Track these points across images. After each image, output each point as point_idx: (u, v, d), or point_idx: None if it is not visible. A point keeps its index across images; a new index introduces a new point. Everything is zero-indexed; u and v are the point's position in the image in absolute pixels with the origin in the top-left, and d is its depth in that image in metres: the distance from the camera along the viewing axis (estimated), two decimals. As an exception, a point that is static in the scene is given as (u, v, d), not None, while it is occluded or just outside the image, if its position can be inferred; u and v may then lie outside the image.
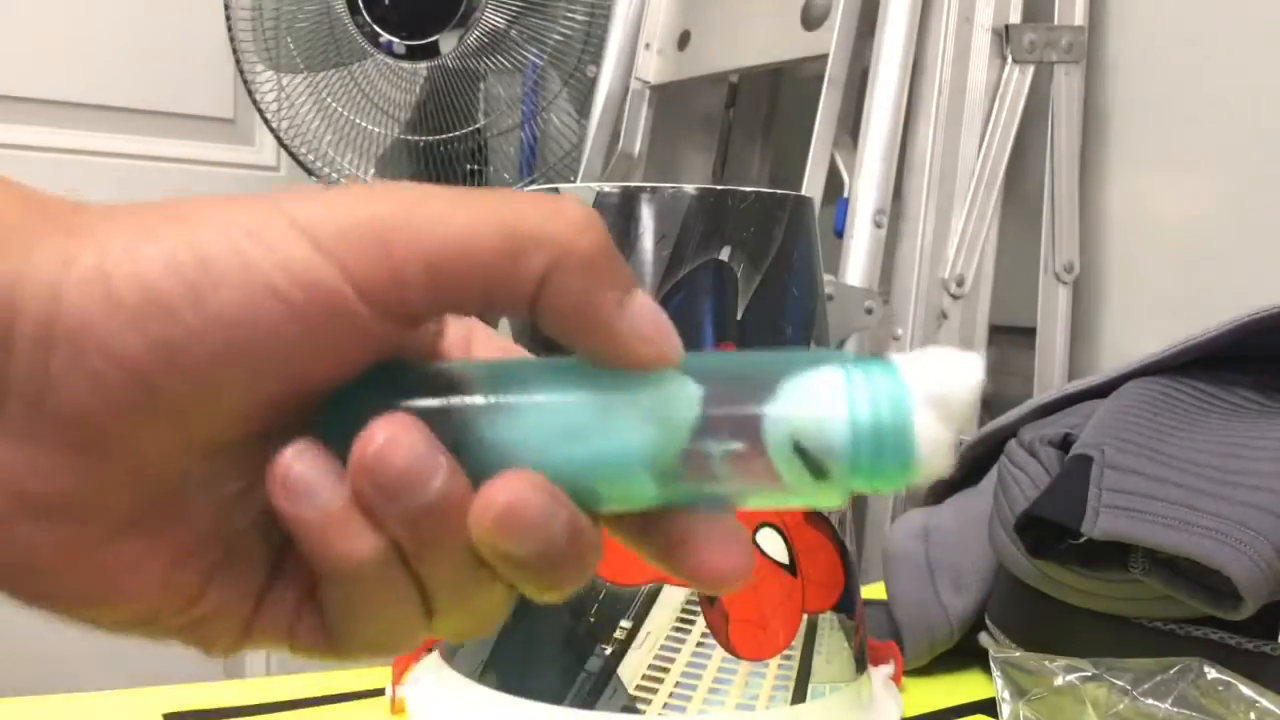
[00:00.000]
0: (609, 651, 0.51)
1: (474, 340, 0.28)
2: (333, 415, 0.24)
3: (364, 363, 0.24)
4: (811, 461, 0.23)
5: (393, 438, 0.23)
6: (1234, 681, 0.51)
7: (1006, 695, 0.53)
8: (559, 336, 0.24)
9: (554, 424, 0.24)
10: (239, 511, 0.25)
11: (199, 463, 0.24)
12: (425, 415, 0.24)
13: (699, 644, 0.51)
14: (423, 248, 0.23)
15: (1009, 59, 1.01)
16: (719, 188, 0.54)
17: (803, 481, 0.24)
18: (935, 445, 0.23)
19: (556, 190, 0.54)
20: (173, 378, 0.22)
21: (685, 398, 0.24)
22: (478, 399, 0.24)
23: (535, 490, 0.23)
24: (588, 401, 0.24)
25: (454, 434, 0.24)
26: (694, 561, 0.25)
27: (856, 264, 0.95)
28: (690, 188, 0.53)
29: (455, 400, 0.24)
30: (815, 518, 0.55)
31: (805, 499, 0.25)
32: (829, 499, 0.25)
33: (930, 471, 0.24)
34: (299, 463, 0.23)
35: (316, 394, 0.24)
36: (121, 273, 0.22)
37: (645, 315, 0.24)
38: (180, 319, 0.22)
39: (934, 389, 0.24)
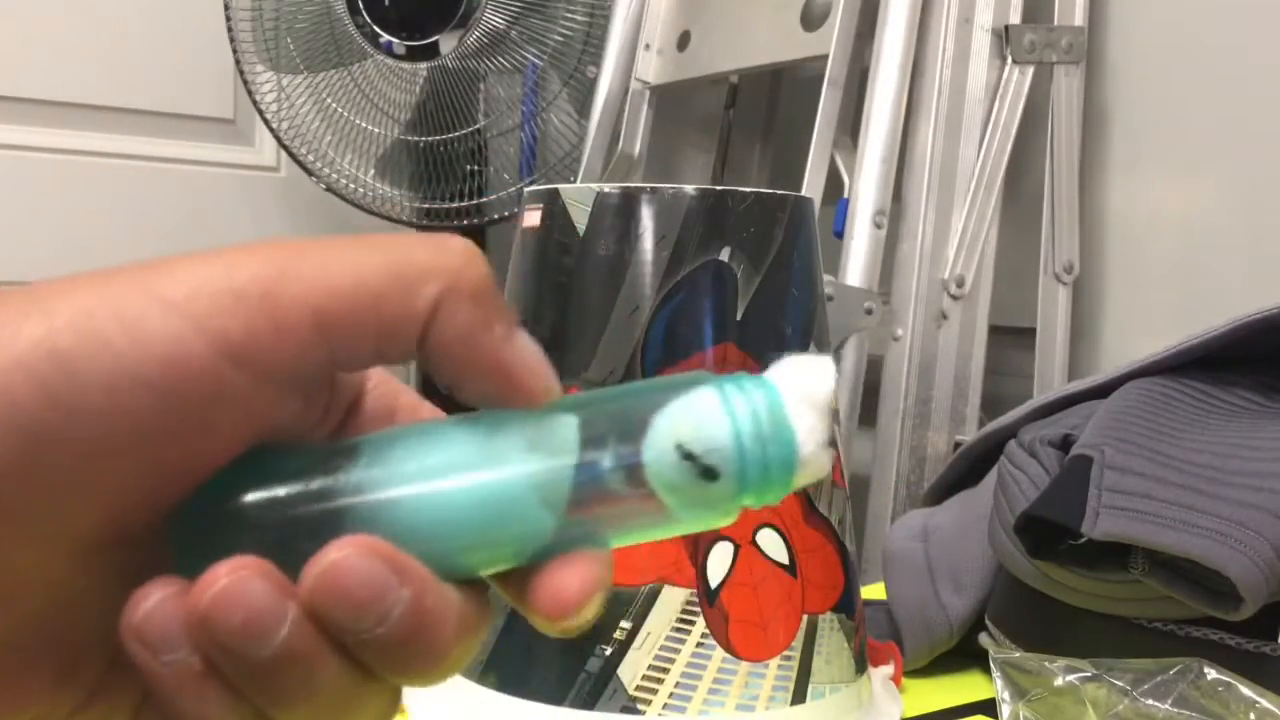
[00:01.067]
0: (609, 652, 0.51)
1: (399, 410, 0.27)
2: (183, 528, 0.22)
3: (250, 440, 0.23)
4: (699, 465, 0.23)
5: (228, 588, 0.21)
6: (1234, 682, 0.51)
7: (1006, 696, 0.53)
8: (446, 374, 0.24)
9: (429, 490, 0.23)
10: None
11: (71, 570, 0.22)
12: (279, 527, 0.22)
13: (699, 644, 0.51)
14: (309, 297, 0.22)
15: (1009, 59, 1.01)
16: (719, 188, 0.54)
17: (691, 493, 0.23)
18: (814, 438, 0.24)
19: (556, 192, 0.54)
20: (30, 491, 0.20)
21: (566, 426, 0.24)
22: (346, 485, 0.23)
23: (367, 554, 0.21)
24: (471, 447, 0.24)
25: (313, 540, 0.22)
26: (546, 594, 0.23)
27: (856, 264, 0.96)
28: (690, 188, 0.53)
29: (319, 495, 0.23)
30: (815, 518, 0.55)
31: (692, 519, 0.24)
32: (716, 515, 0.24)
33: (814, 469, 0.24)
34: (154, 611, 0.21)
35: (204, 477, 0.22)
36: None
37: (530, 349, 0.24)
38: (33, 427, 0.20)
39: (802, 390, 0.24)
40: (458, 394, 0.24)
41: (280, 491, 0.23)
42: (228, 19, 1.39)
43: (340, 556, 0.21)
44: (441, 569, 0.23)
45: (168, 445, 0.21)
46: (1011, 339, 1.07)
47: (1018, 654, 0.55)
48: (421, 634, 0.22)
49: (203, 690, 0.21)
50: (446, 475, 0.23)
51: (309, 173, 1.45)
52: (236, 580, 0.21)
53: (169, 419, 0.21)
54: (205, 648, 0.21)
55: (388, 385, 0.27)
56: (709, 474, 0.23)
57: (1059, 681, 0.53)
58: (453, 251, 0.23)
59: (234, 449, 0.22)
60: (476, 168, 1.45)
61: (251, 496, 0.23)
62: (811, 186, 1.01)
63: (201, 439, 0.22)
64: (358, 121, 1.45)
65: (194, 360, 0.21)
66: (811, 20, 1.10)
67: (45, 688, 0.23)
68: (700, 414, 0.24)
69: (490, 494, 0.23)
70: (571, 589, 0.23)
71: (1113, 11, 1.05)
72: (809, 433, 0.24)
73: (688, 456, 0.23)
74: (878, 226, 0.96)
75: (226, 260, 0.22)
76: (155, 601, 0.21)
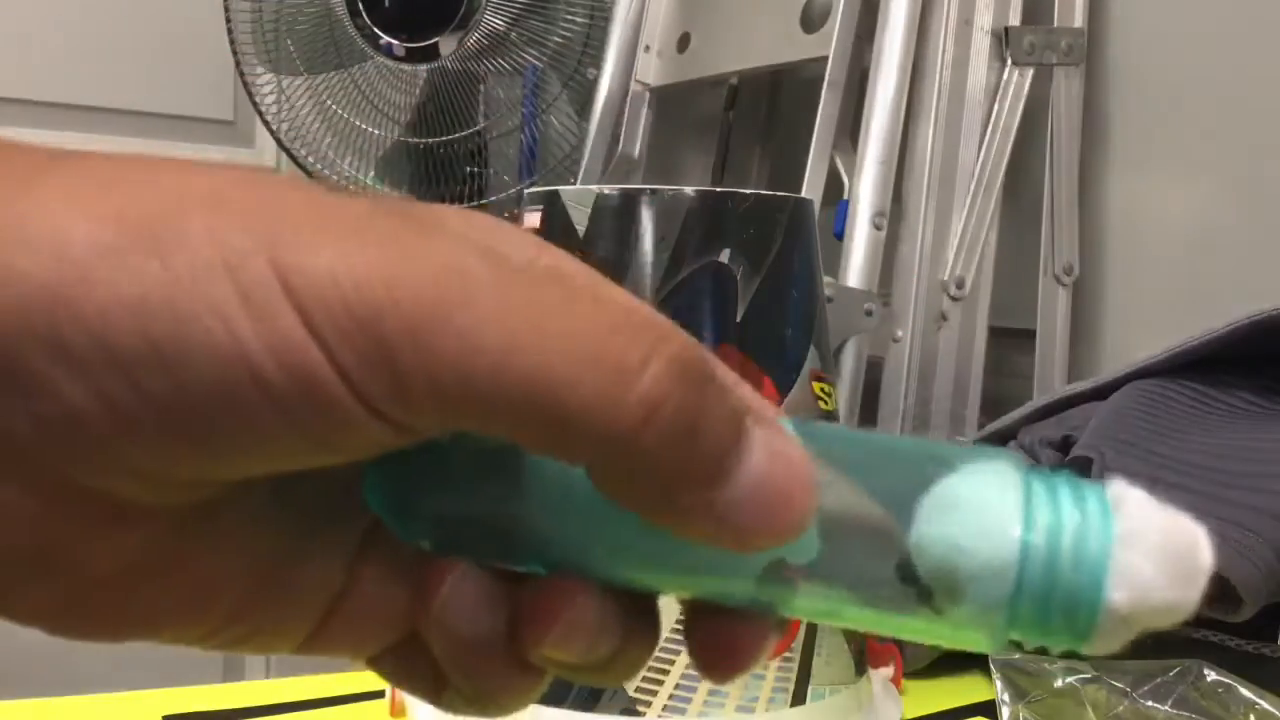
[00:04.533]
0: (609, 653, 0.51)
1: None
2: (386, 497, 0.22)
3: (367, 455, 0.20)
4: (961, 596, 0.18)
5: (450, 595, 0.21)
6: (1233, 683, 0.51)
7: (1006, 698, 0.53)
8: None
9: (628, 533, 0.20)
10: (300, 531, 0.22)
11: (215, 494, 0.20)
12: (482, 541, 0.22)
13: (699, 646, 0.51)
14: (432, 372, 0.17)
15: (1009, 61, 1.01)
16: (719, 190, 0.54)
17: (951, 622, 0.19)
18: (1140, 587, 0.18)
19: (556, 193, 0.54)
20: (129, 441, 0.18)
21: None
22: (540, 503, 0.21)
23: (585, 604, 0.21)
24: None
25: (506, 549, 0.22)
26: (711, 641, 0.22)
27: (856, 266, 0.95)
28: (690, 190, 0.53)
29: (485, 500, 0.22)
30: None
31: (947, 636, 0.20)
32: (973, 635, 0.19)
33: (1117, 628, 0.18)
34: (462, 587, 0.21)
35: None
36: (71, 309, 0.17)
37: (753, 492, 0.19)
38: (137, 387, 0.17)
39: (1156, 532, 0.18)
40: None
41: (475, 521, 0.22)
42: (228, 20, 1.39)
43: (567, 621, 0.21)
44: (619, 581, 0.22)
45: (275, 441, 0.19)
46: (1011, 340, 1.07)
47: (1017, 656, 0.55)
48: (630, 657, 0.23)
49: (511, 663, 0.22)
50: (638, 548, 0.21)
51: (309, 174, 1.45)
52: (458, 583, 0.22)
53: (277, 418, 0.18)
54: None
55: None
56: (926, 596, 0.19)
57: (1059, 683, 0.53)
58: (634, 391, 0.18)
59: (357, 457, 0.21)
60: (476, 169, 1.45)
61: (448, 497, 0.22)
62: (811, 188, 1.01)
63: (313, 447, 0.19)
64: (358, 123, 1.45)
65: (311, 371, 0.18)
66: (811, 22, 1.10)
67: (178, 605, 0.21)
68: (984, 517, 0.18)
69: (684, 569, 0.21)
70: (741, 645, 0.22)
71: (1112, 13, 1.05)
72: (1133, 579, 0.18)
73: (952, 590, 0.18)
74: (877, 228, 0.96)
75: (374, 246, 0.18)
76: (461, 578, 0.21)
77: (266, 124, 1.44)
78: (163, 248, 0.17)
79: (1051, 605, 0.18)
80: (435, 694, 0.23)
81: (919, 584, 0.19)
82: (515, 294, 0.18)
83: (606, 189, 0.53)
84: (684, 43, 1.28)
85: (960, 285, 1.00)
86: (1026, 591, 0.18)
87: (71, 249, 0.17)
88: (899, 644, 0.64)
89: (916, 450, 0.20)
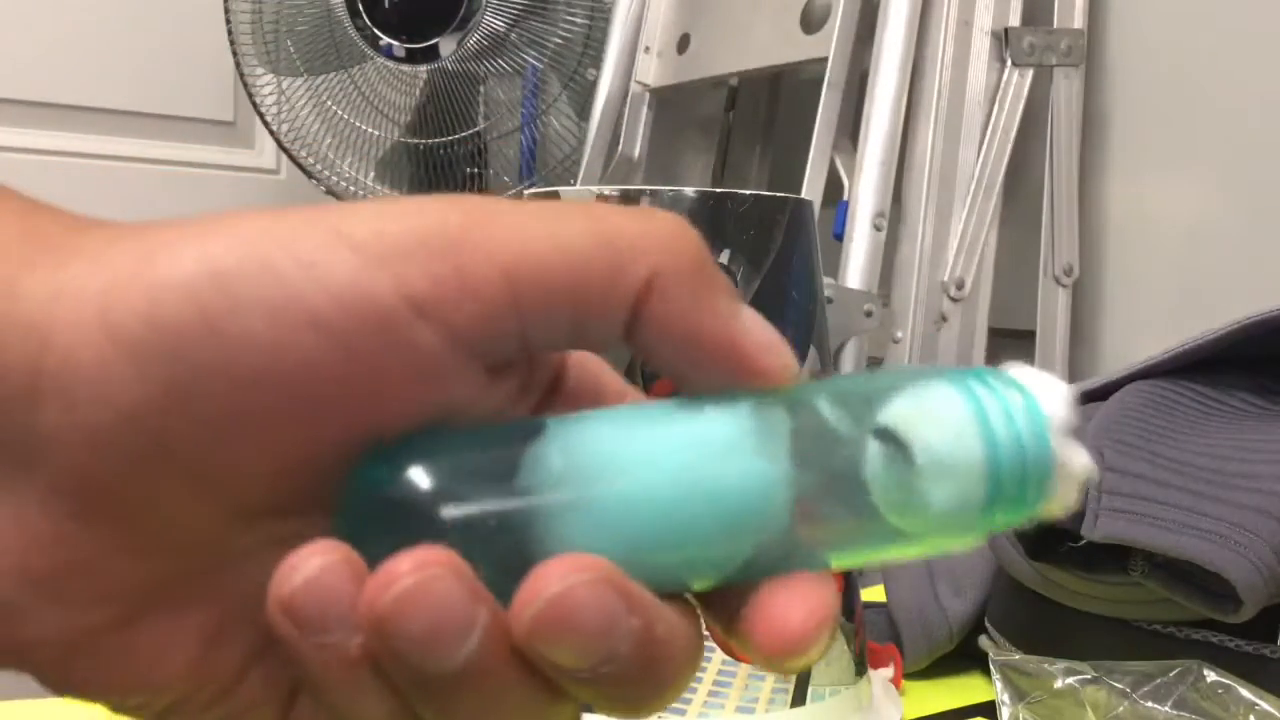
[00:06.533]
0: (609, 654, 0.51)
1: (604, 395, 0.23)
2: (354, 498, 0.19)
3: (427, 412, 0.19)
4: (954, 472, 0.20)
5: (415, 589, 0.17)
6: (1233, 684, 0.51)
7: (1006, 698, 0.53)
8: (662, 359, 0.21)
9: (647, 483, 0.20)
10: None
11: (236, 529, 0.20)
12: (463, 512, 0.19)
13: (699, 647, 0.51)
14: (500, 255, 0.19)
15: (1008, 62, 1.01)
16: (718, 190, 0.54)
17: (936, 506, 0.20)
18: (1075, 458, 0.21)
19: (556, 194, 0.54)
20: (185, 428, 0.18)
21: (797, 415, 0.21)
22: (547, 472, 0.19)
23: (597, 584, 0.18)
24: (691, 435, 0.20)
25: (507, 536, 0.19)
26: (764, 627, 0.20)
27: (856, 267, 0.96)
28: (690, 190, 0.53)
29: (511, 480, 0.19)
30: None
31: (934, 538, 0.21)
32: (965, 531, 0.21)
33: (1070, 490, 0.21)
34: (312, 584, 0.18)
35: (378, 441, 0.19)
36: (121, 302, 0.18)
37: (762, 325, 0.21)
38: (189, 354, 0.18)
39: (1060, 408, 0.21)
40: (679, 382, 0.21)
41: (466, 470, 0.19)
42: (228, 21, 1.39)
43: (565, 588, 0.18)
44: (655, 581, 0.19)
45: (335, 394, 0.19)
46: (1011, 341, 1.07)
47: (1017, 656, 0.55)
48: (651, 669, 0.19)
49: (357, 680, 0.18)
50: (666, 467, 0.20)
51: (309, 175, 1.45)
52: (425, 579, 0.17)
53: (339, 362, 0.18)
54: (374, 647, 0.18)
55: (588, 365, 0.24)
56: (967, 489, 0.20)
57: (1059, 684, 0.53)
58: (665, 222, 0.21)
59: (408, 416, 0.19)
60: (476, 170, 1.45)
61: (432, 474, 0.19)
62: (811, 189, 1.01)
63: (373, 394, 0.19)
64: (358, 124, 1.45)
65: (374, 300, 0.18)
66: (811, 23, 1.10)
67: (189, 656, 0.20)
68: (944, 410, 0.20)
69: (723, 488, 0.20)
70: (796, 618, 0.20)
71: (1112, 14, 1.05)
72: (1067, 450, 0.21)
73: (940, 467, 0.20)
74: (877, 229, 0.96)
75: (414, 206, 0.19)
76: (314, 570, 0.18)
77: (266, 125, 1.44)
78: (211, 236, 0.19)
79: (1026, 465, 0.20)
80: None
81: (903, 457, 0.20)
82: (542, 207, 0.20)
83: (606, 190, 0.53)
84: (684, 43, 1.28)
85: (960, 286, 1.00)
86: (1004, 462, 0.20)
87: (117, 263, 0.19)
88: (899, 645, 0.64)
89: (866, 384, 0.22)
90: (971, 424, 0.20)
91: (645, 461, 0.20)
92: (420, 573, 0.18)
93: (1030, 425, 0.20)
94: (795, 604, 0.20)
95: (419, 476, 0.19)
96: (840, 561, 0.21)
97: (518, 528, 0.19)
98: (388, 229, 0.19)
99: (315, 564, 0.18)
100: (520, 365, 0.22)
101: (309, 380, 0.18)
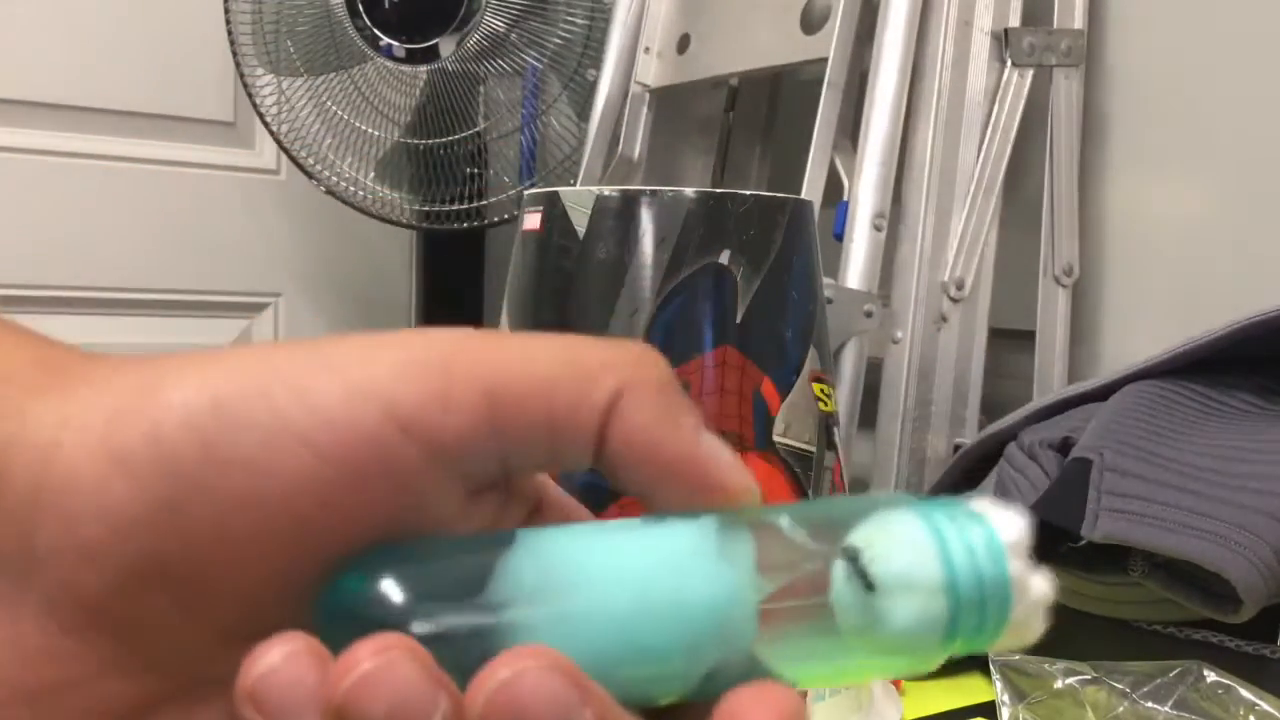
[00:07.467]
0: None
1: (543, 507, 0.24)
2: (327, 611, 0.20)
3: (407, 527, 0.20)
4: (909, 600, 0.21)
5: (373, 673, 0.18)
6: (1233, 684, 0.51)
7: (1006, 699, 0.53)
8: (629, 476, 0.22)
9: (613, 597, 0.20)
10: None
11: (220, 651, 0.20)
12: (431, 622, 0.19)
13: (699, 647, 0.51)
14: (481, 377, 0.20)
15: (1008, 62, 1.01)
16: (719, 191, 0.54)
17: (895, 636, 0.21)
18: (1033, 586, 0.22)
19: (556, 195, 0.54)
20: (177, 546, 0.19)
21: (756, 534, 0.21)
22: (516, 584, 0.20)
23: (548, 670, 0.18)
24: (654, 552, 0.21)
25: (473, 640, 0.19)
26: None
27: (856, 267, 0.95)
28: (690, 191, 0.53)
29: (478, 590, 0.20)
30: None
31: (895, 660, 0.22)
32: (927, 655, 0.22)
33: (1030, 624, 0.22)
34: (277, 672, 0.18)
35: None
36: (125, 426, 0.19)
37: (722, 446, 0.22)
38: (185, 473, 0.19)
39: (1010, 532, 0.22)
40: (645, 502, 0.22)
41: (435, 582, 0.20)
42: (227, 22, 1.39)
43: (515, 673, 0.18)
44: (621, 693, 0.20)
45: (322, 515, 0.20)
46: (1011, 341, 1.07)
47: (1017, 656, 0.55)
48: None
49: None
50: (630, 582, 0.20)
51: (309, 175, 1.45)
52: (384, 663, 0.18)
53: (328, 484, 0.19)
54: None
55: (563, 504, 0.25)
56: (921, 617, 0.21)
57: (1059, 684, 0.53)
58: (630, 349, 0.22)
59: (388, 532, 0.20)
60: (476, 171, 1.45)
61: (402, 587, 0.20)
62: (811, 189, 1.01)
63: (358, 513, 0.20)
64: (358, 124, 1.45)
65: (362, 419, 0.20)
66: (811, 23, 1.10)
67: None
68: (905, 534, 0.21)
69: (686, 601, 0.20)
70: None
71: (1112, 15, 1.05)
72: (1026, 580, 0.22)
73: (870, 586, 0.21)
74: (877, 229, 0.96)
75: (399, 337, 0.21)
76: (278, 659, 0.18)
77: (266, 125, 1.44)
78: (211, 366, 0.21)
79: (981, 594, 0.21)
80: None
81: (863, 576, 0.21)
82: (518, 335, 0.22)
83: (606, 190, 0.53)
84: (684, 44, 1.28)
85: (960, 286, 1.00)
86: (963, 592, 0.21)
87: (121, 391, 0.20)
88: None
89: (829, 508, 0.23)
90: (931, 547, 0.21)
91: (610, 576, 0.21)
92: (380, 656, 0.18)
93: (988, 550, 0.21)
94: (761, 712, 0.21)
95: (390, 590, 0.20)
96: (802, 680, 0.22)
97: (484, 640, 0.19)
98: (378, 355, 0.20)
99: (278, 653, 0.18)
100: (499, 490, 0.23)
101: (296, 501, 0.19)
